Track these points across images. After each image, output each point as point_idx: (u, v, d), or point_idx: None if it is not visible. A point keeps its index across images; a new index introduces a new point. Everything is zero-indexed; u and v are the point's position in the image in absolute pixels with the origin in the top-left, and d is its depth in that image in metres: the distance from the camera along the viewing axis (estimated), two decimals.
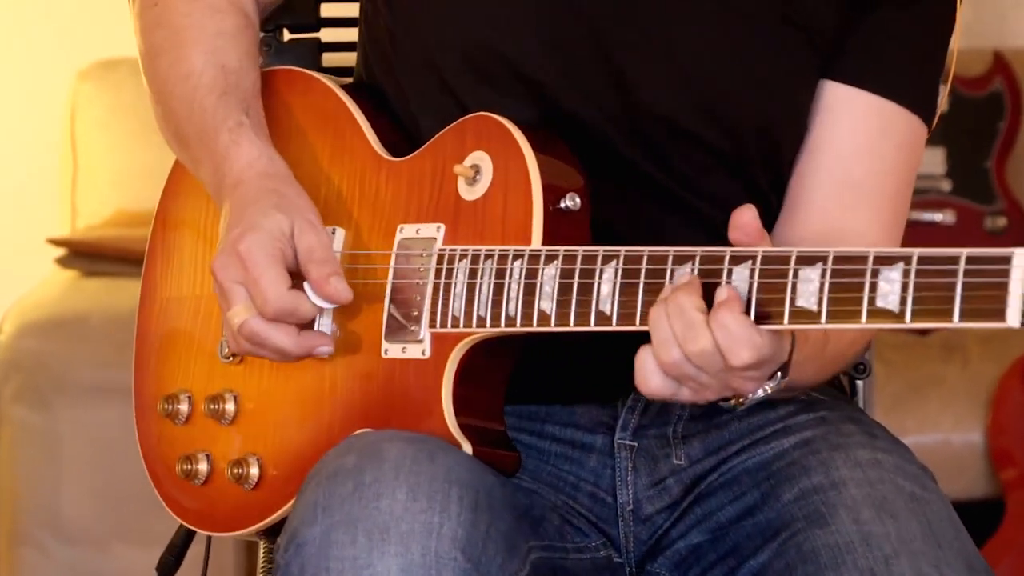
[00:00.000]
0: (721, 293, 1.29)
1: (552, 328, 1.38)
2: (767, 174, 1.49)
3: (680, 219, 1.47)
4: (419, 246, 1.45)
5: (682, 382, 1.32)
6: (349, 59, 1.67)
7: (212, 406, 1.51)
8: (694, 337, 1.29)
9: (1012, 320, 1.20)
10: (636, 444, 1.49)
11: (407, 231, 1.46)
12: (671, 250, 1.34)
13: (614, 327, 1.36)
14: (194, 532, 1.59)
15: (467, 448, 1.42)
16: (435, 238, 1.44)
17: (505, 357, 1.44)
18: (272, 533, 1.50)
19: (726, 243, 1.36)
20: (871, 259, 1.24)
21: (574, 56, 1.49)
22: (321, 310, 1.43)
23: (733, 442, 1.54)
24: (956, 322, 1.23)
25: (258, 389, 1.52)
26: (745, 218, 1.30)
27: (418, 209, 1.47)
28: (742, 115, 1.49)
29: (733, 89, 1.49)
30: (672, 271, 1.34)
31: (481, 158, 1.45)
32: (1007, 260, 1.19)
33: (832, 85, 1.49)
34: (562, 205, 1.42)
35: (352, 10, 1.64)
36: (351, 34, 1.65)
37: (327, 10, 1.75)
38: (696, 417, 1.52)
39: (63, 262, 3.23)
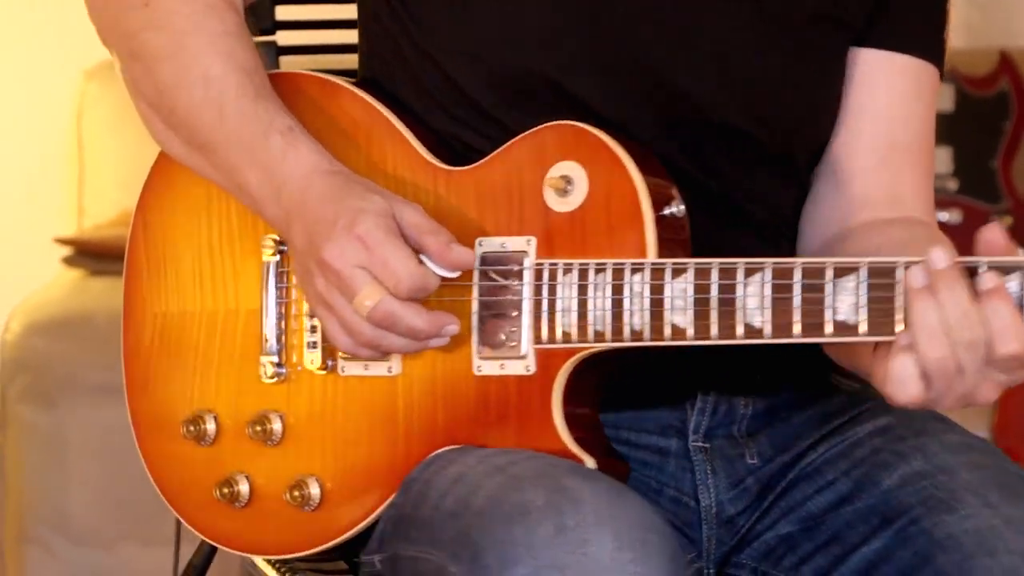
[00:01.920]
0: (988, 281, 1.27)
1: (689, 342, 1.36)
2: (811, 166, 1.51)
3: (730, 223, 1.47)
4: (508, 260, 1.42)
5: (936, 383, 1.31)
6: (306, 62, 1.63)
7: (258, 427, 1.47)
8: (969, 325, 1.28)
9: None
10: (708, 446, 1.49)
11: (489, 245, 1.43)
12: (828, 261, 1.34)
13: (766, 339, 1.35)
14: (215, 550, 1.56)
15: (590, 463, 1.41)
16: (526, 252, 1.42)
17: (605, 368, 1.43)
18: (328, 554, 1.49)
19: (775, 244, 1.46)
20: None
21: (617, 71, 1.48)
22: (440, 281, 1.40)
23: (802, 436, 1.53)
24: None
25: (309, 408, 1.48)
26: (992, 235, 1.29)
27: (497, 222, 1.44)
28: (788, 114, 1.49)
29: (777, 89, 1.49)
30: (834, 282, 1.32)
31: (571, 168, 1.42)
32: None
33: (864, 52, 1.51)
34: (667, 212, 1.40)
35: (309, 12, 1.63)
36: (309, 36, 1.64)
37: (283, 13, 1.71)
38: (758, 414, 1.52)
39: (69, 261, 3.24)
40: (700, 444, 1.49)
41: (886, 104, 1.54)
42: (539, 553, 1.30)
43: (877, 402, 1.51)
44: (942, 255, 1.28)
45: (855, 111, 1.51)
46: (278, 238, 1.46)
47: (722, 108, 1.48)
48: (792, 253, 1.51)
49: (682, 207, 1.41)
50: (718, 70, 1.49)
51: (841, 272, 1.32)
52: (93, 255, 3.23)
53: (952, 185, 3.39)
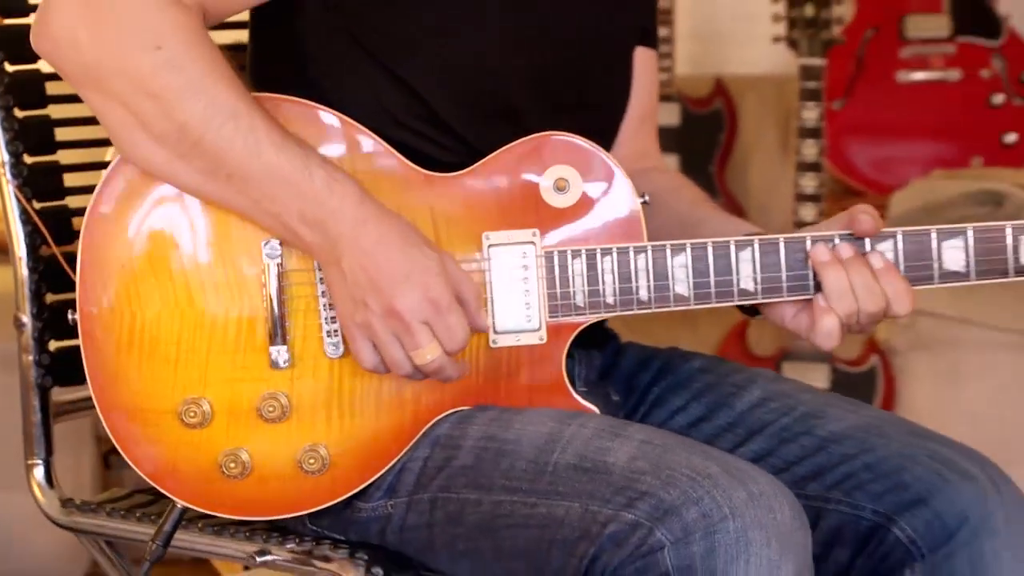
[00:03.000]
0: (878, 261, 1.46)
1: (691, 307, 1.48)
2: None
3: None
4: (517, 250, 1.47)
5: (849, 330, 1.47)
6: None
7: (268, 408, 1.46)
8: (873, 292, 1.44)
9: None
10: (586, 390, 1.56)
11: (496, 238, 1.48)
12: (808, 235, 1.48)
13: (760, 300, 1.48)
14: (183, 514, 1.53)
15: (596, 410, 1.50)
16: (532, 242, 1.47)
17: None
18: (318, 515, 1.51)
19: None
20: (1009, 228, 1.45)
21: (549, 84, 1.56)
22: None
23: (636, 375, 1.65)
24: None
25: (314, 387, 1.48)
26: (869, 226, 1.47)
27: (501, 217, 1.47)
28: (624, 95, 1.65)
29: (625, 81, 1.65)
30: (808, 250, 1.46)
31: (565, 171, 1.48)
32: None
33: (638, 49, 1.68)
34: (644, 200, 1.50)
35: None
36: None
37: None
38: (605, 363, 1.63)
39: None
40: (583, 389, 1.55)
41: (640, 85, 1.68)
42: (743, 513, 1.33)
43: (674, 349, 1.68)
44: (847, 246, 1.46)
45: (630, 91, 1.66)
46: (278, 244, 1.45)
47: (596, 100, 1.61)
48: None
49: (646, 196, 1.50)
50: (601, 75, 1.62)
51: (819, 241, 1.47)
52: None
53: None
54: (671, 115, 3.55)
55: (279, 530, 1.58)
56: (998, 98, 3.62)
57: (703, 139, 3.60)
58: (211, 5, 1.45)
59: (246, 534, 1.58)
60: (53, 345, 1.71)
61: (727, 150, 3.62)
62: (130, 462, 1.49)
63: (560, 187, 1.48)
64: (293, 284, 1.47)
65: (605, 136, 1.59)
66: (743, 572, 1.32)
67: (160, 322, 1.47)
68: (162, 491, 1.49)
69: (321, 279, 1.47)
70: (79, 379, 1.65)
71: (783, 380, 1.63)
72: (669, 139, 3.50)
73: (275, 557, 1.55)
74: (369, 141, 1.48)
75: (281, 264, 1.46)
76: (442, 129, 1.52)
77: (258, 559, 1.55)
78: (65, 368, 1.70)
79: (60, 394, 1.74)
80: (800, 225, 3.12)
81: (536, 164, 1.49)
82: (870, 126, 3.63)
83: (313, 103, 1.48)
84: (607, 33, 1.62)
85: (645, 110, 1.69)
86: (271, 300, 1.46)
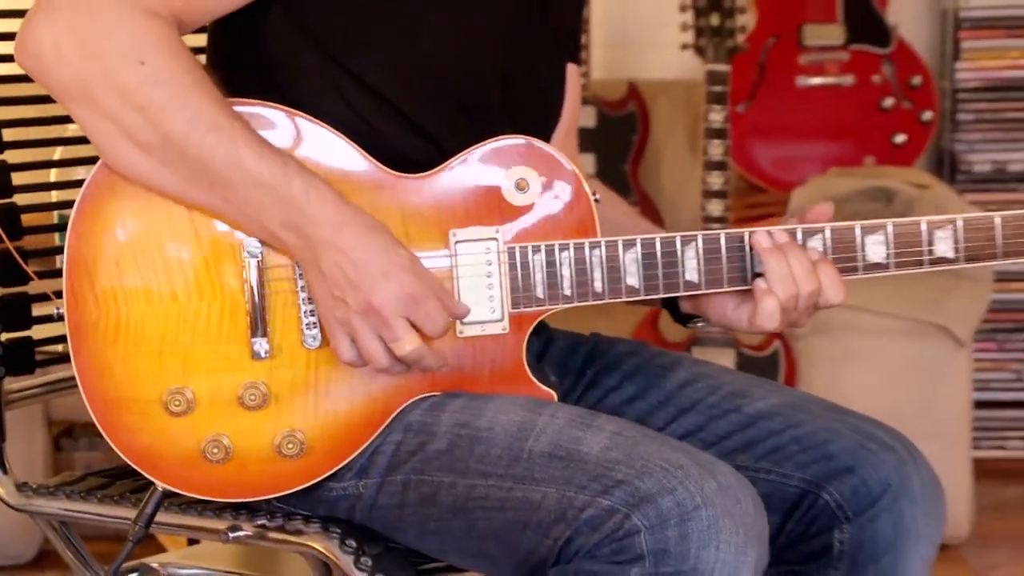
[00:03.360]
0: (815, 254, 1.48)
1: (641, 298, 1.49)
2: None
3: None
4: (481, 246, 1.48)
5: (787, 315, 1.48)
6: None
7: (248, 397, 1.46)
8: (810, 279, 1.46)
9: None
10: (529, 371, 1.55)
11: (462, 235, 1.49)
12: (745, 231, 1.50)
13: (703, 291, 1.50)
14: (164, 497, 1.52)
15: (555, 396, 1.52)
16: (496, 238, 1.48)
17: None
18: (291, 497, 1.50)
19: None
20: (924, 223, 1.47)
21: (503, 85, 1.57)
22: None
23: (569, 360, 1.66)
24: (1000, 258, 1.47)
25: (292, 377, 1.47)
26: (823, 211, 1.51)
27: (466, 216, 1.48)
28: (560, 102, 1.67)
29: (562, 89, 1.67)
30: (750, 246, 1.48)
31: (526, 171, 1.49)
32: None
33: (568, 65, 1.70)
34: (596, 199, 1.52)
35: None
36: None
37: None
38: (541, 347, 1.64)
39: None
40: (539, 374, 1.56)
41: (569, 97, 1.71)
42: (714, 502, 1.35)
43: (597, 335, 1.69)
44: (784, 234, 1.48)
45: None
46: (259, 245, 1.45)
47: (540, 104, 1.64)
48: None
49: (597, 195, 1.53)
50: (545, 81, 1.65)
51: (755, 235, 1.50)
52: None
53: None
54: (588, 117, 3.54)
55: (243, 507, 1.57)
56: (888, 102, 3.67)
57: (618, 140, 3.59)
58: (185, 16, 1.45)
59: (214, 512, 1.58)
60: (4, 336, 1.70)
61: (640, 150, 3.62)
62: (116, 449, 1.48)
63: (521, 187, 1.50)
64: (273, 280, 1.48)
65: (545, 139, 1.60)
66: (714, 556, 1.34)
67: (145, 317, 1.47)
68: (146, 475, 1.49)
69: (300, 275, 1.47)
70: (30, 368, 1.70)
71: (703, 362, 1.67)
72: (586, 140, 3.51)
73: (247, 533, 1.54)
74: (341, 144, 1.49)
75: (261, 261, 1.47)
76: (408, 129, 1.52)
77: (231, 535, 1.53)
78: (17, 358, 1.70)
79: (12, 382, 1.74)
80: (708, 219, 3.18)
81: (498, 165, 1.50)
82: (771, 128, 3.67)
83: (286, 108, 1.48)
84: (550, 41, 1.64)
85: (571, 120, 1.73)
86: (253, 295, 1.47)
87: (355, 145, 1.48)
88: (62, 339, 1.57)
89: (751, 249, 1.50)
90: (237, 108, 1.46)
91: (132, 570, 1.74)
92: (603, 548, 1.36)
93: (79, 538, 1.72)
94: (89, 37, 1.39)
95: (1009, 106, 3.75)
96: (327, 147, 1.48)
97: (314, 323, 1.47)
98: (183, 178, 1.43)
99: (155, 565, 1.75)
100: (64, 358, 1.77)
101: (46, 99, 1.75)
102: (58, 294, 1.52)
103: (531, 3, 1.59)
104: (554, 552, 1.40)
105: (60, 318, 1.48)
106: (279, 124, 1.47)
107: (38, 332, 1.73)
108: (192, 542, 1.86)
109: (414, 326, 1.44)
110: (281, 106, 1.48)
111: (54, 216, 1.86)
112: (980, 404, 3.64)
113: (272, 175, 1.41)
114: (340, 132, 1.49)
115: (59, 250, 1.75)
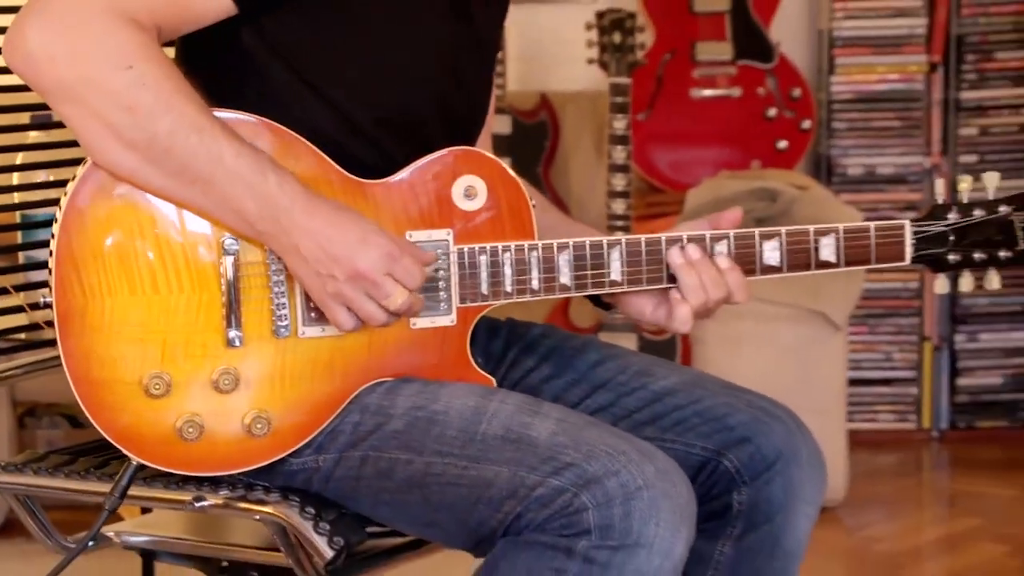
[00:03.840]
0: (724, 262, 1.50)
1: (572, 295, 1.52)
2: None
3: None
4: (433, 247, 1.49)
5: (697, 319, 1.52)
6: None
7: (222, 381, 1.46)
8: (719, 285, 1.49)
9: (907, 260, 1.51)
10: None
11: (417, 236, 1.49)
12: (663, 236, 1.52)
13: (625, 289, 1.52)
14: (137, 470, 1.50)
15: (494, 383, 1.53)
16: (447, 240, 1.50)
17: None
18: (258, 472, 1.49)
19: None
20: (812, 231, 1.50)
21: (446, 103, 1.57)
22: None
23: (491, 343, 1.65)
24: (873, 263, 1.50)
25: (260, 362, 1.47)
26: (733, 217, 1.53)
27: (420, 218, 1.49)
28: (487, 111, 1.67)
29: (489, 100, 1.67)
30: (666, 248, 1.50)
31: (473, 180, 1.50)
32: (902, 226, 1.50)
33: None
34: (533, 204, 1.54)
35: None
36: None
37: None
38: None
39: None
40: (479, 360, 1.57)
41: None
42: (654, 484, 1.37)
43: (512, 319, 1.68)
44: (696, 248, 1.50)
45: None
46: (236, 242, 1.45)
47: (473, 113, 1.64)
48: None
49: (535, 201, 1.55)
50: (478, 95, 1.65)
51: (671, 242, 1.51)
52: None
53: None
54: (504, 125, 3.58)
55: (205, 480, 1.56)
56: (772, 111, 3.75)
57: (531, 145, 3.65)
58: (164, 25, 1.44)
59: (177, 484, 1.56)
60: None
61: (551, 154, 3.67)
62: (98, 427, 1.47)
63: (469, 194, 1.51)
64: (247, 275, 1.48)
65: (474, 142, 1.62)
66: (653, 532, 1.36)
67: (128, 307, 1.46)
68: (125, 452, 1.49)
69: (273, 270, 1.47)
70: None
71: (611, 345, 1.68)
72: (502, 145, 3.56)
73: (212, 502, 1.52)
74: (307, 148, 1.49)
75: (237, 257, 1.47)
76: (366, 141, 1.52)
77: (196, 504, 1.52)
78: None
79: None
80: (612, 217, 3.20)
81: (449, 173, 1.51)
82: (668, 134, 3.71)
83: (262, 118, 1.47)
84: (479, 60, 1.65)
85: (489, 125, 1.74)
86: (229, 288, 1.46)
87: (319, 151, 1.49)
88: (24, 328, 1.59)
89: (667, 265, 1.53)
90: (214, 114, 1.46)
91: (89, 538, 1.66)
92: (552, 523, 1.38)
93: (41, 509, 1.70)
94: (80, 43, 1.38)
95: (877, 116, 3.85)
96: (294, 152, 1.48)
97: (285, 315, 1.48)
98: (167, 174, 1.42)
99: (110, 534, 1.70)
100: (28, 345, 1.76)
101: (8, 108, 1.75)
102: (16, 287, 1.53)
103: (468, 29, 1.59)
104: (504, 525, 1.41)
105: (48, 306, 1.47)
106: (250, 130, 1.46)
107: (2, 323, 1.71)
108: (145, 511, 1.76)
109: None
110: (251, 114, 1.47)
111: (16, 216, 1.85)
112: (854, 381, 3.71)
113: (250, 171, 1.41)
114: (309, 140, 1.49)
115: (22, 247, 1.82)
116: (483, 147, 1.70)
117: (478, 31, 1.61)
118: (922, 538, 3.13)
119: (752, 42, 3.69)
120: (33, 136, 1.78)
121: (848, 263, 1.53)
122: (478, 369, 1.54)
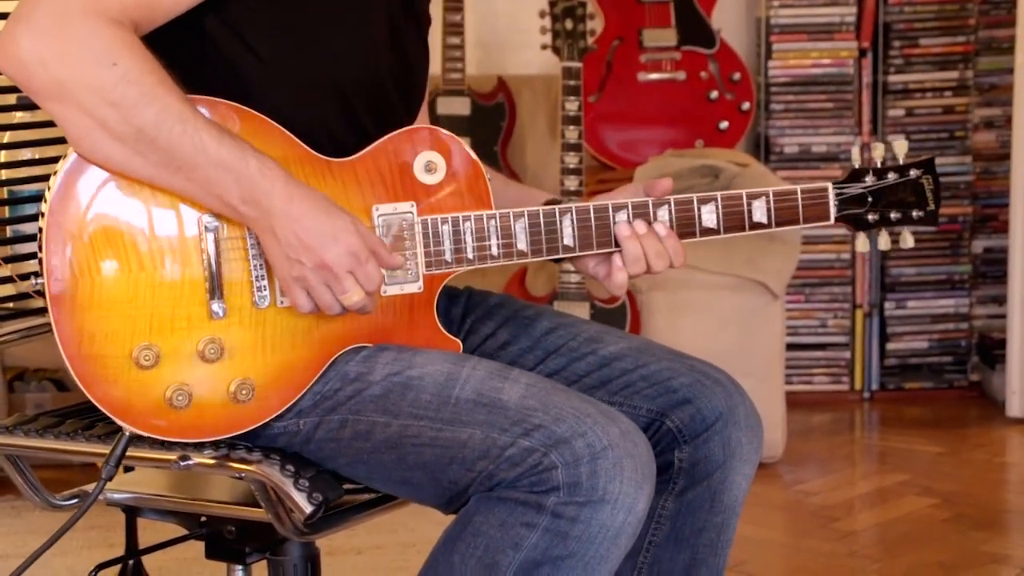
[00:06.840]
0: (662, 229, 1.53)
1: (529, 260, 1.53)
2: None
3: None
4: (400, 219, 1.50)
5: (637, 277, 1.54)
6: None
7: (208, 351, 1.46)
8: (660, 254, 1.53)
9: (831, 219, 1.54)
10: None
11: (383, 209, 1.50)
12: (609, 203, 1.54)
13: (577, 254, 1.54)
14: (131, 440, 1.49)
15: (460, 346, 1.54)
16: (411, 212, 1.51)
17: None
18: (243, 437, 1.49)
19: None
20: (744, 195, 1.53)
21: (403, 74, 1.59)
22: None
23: (451, 309, 1.65)
24: (801, 223, 1.54)
25: (242, 332, 1.47)
26: (665, 186, 1.56)
27: (385, 193, 1.50)
28: (426, 78, 1.67)
29: (426, 64, 1.66)
30: (614, 216, 1.53)
31: (433, 155, 1.51)
32: (825, 188, 1.54)
33: None
34: (489, 178, 1.55)
35: None
36: None
37: None
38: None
39: None
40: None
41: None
42: (618, 444, 1.39)
43: (471, 288, 1.69)
44: (641, 223, 1.52)
45: None
46: (215, 219, 1.45)
47: (416, 85, 1.64)
48: None
49: (490, 174, 1.55)
50: (423, 74, 1.66)
51: (617, 208, 1.54)
52: None
53: None
54: (463, 107, 3.56)
55: (189, 441, 1.54)
56: (714, 94, 3.73)
57: (489, 126, 3.60)
58: (141, 20, 1.43)
59: (163, 445, 1.54)
60: None
61: (508, 134, 3.63)
62: (92, 399, 1.47)
63: (430, 169, 1.52)
64: (228, 249, 1.48)
65: (417, 113, 1.64)
66: (618, 489, 1.38)
67: (116, 285, 1.46)
68: (118, 422, 1.48)
69: (251, 244, 1.48)
70: None
71: (563, 313, 1.69)
72: (462, 126, 3.56)
73: (196, 462, 1.51)
74: (277, 132, 1.49)
75: (217, 233, 1.47)
76: (330, 115, 1.53)
77: (181, 463, 1.51)
78: None
79: None
80: (565, 193, 3.21)
81: (410, 150, 1.52)
82: (618, 115, 3.68)
83: (238, 105, 1.48)
84: (416, 32, 1.64)
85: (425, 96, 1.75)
86: (210, 263, 1.47)
87: (290, 133, 1.49)
88: (13, 298, 1.57)
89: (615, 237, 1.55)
90: (199, 103, 1.45)
91: (73, 496, 1.69)
92: (523, 480, 1.39)
93: (30, 468, 1.69)
94: (67, 45, 1.38)
95: (811, 98, 3.86)
96: (263, 133, 1.48)
97: (264, 286, 1.48)
98: (153, 164, 1.42)
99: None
100: (16, 314, 1.74)
101: None
102: (5, 259, 1.49)
103: (406, 7, 1.60)
104: (476, 483, 1.42)
105: (39, 293, 1.47)
106: (220, 114, 1.46)
107: None
108: (128, 469, 1.73)
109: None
110: (224, 100, 1.47)
111: (3, 192, 1.81)
112: (791, 347, 3.75)
113: (232, 158, 1.42)
114: (277, 122, 1.49)
115: (9, 221, 1.80)
116: (423, 115, 1.71)
117: (412, 4, 1.62)
118: (854, 492, 3.14)
119: (695, 29, 3.68)
120: (19, 116, 1.75)
121: (779, 223, 1.56)
122: (445, 332, 1.54)
